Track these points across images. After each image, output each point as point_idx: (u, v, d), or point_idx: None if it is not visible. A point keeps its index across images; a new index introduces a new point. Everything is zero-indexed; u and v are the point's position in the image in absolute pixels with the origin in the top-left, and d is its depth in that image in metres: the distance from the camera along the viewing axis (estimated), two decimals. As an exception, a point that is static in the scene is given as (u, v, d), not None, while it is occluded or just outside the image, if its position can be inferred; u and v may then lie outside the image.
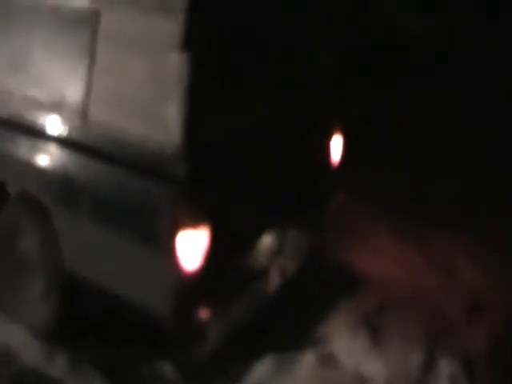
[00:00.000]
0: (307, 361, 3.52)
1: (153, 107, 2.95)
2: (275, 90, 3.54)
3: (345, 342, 3.68)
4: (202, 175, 2.98)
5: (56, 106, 3.34)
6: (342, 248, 4.56)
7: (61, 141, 3.33)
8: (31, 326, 3.63)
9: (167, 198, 2.95)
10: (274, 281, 3.55)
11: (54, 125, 3.37)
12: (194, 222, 2.93)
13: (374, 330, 3.78)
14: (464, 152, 6.18)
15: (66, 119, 3.29)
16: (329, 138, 4.00)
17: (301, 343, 3.64)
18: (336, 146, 4.06)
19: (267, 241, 3.52)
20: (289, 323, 3.75)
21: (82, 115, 3.20)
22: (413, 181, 5.58)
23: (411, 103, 7.10)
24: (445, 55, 8.04)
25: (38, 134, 3.45)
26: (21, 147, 3.54)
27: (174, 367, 3.46)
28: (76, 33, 3.24)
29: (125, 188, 3.08)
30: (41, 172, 3.43)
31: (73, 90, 3.24)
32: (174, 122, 2.87)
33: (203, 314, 3.11)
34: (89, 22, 3.17)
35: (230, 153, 3.16)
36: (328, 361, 3.54)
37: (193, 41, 2.86)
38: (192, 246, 2.95)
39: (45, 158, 3.42)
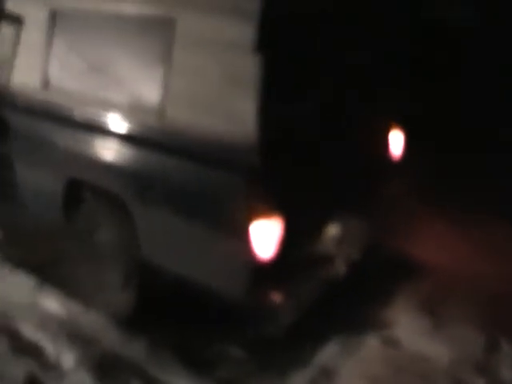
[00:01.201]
0: (371, 343, 3.70)
1: (228, 105, 3.15)
2: (343, 87, 3.72)
3: (407, 325, 3.84)
4: (275, 167, 3.18)
5: (134, 108, 3.57)
6: (401, 236, 4.72)
7: (138, 139, 3.56)
8: (111, 312, 3.89)
9: (242, 188, 3.14)
10: (339, 267, 3.71)
11: (132, 125, 3.60)
12: (267, 212, 3.12)
13: (435, 313, 3.94)
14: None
15: (143, 119, 3.52)
16: (388, 133, 4.15)
17: (365, 327, 3.81)
18: (395, 141, 4.21)
19: (333, 229, 3.68)
20: (353, 308, 3.91)
21: (159, 115, 3.41)
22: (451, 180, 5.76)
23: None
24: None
25: (115, 134, 3.69)
26: (99, 147, 3.79)
27: (245, 350, 3.67)
28: (152, 38, 3.47)
29: (202, 181, 3.29)
30: (120, 169, 3.66)
31: (150, 92, 3.47)
32: (249, 118, 3.07)
33: (275, 297, 3.29)
34: (165, 27, 3.40)
35: (300, 145, 3.34)
36: (391, 343, 3.71)
37: (266, 42, 3.06)
38: (265, 235, 3.14)
39: (123, 156, 3.65)
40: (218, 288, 3.36)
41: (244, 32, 3.07)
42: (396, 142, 4.22)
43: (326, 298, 3.67)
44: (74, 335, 3.77)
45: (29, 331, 3.83)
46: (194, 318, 3.83)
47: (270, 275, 3.25)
